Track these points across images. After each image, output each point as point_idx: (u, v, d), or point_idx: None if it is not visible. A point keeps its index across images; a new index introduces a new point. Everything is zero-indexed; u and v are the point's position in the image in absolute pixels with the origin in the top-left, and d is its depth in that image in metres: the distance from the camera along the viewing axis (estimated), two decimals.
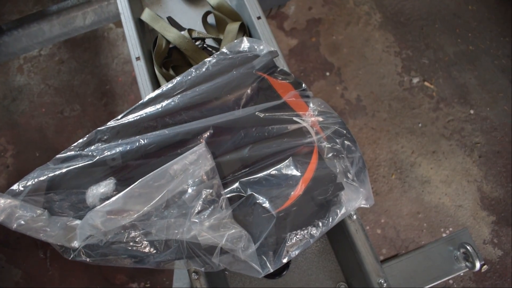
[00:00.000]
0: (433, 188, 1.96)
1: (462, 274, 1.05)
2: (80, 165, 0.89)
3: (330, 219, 0.83)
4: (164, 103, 0.94)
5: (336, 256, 1.01)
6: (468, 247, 0.97)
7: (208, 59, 0.99)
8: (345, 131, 0.92)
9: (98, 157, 0.89)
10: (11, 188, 0.87)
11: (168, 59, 1.22)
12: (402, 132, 2.04)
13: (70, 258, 0.86)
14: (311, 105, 0.95)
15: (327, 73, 2.16)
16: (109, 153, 0.90)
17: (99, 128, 0.94)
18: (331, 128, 0.92)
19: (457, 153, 2.00)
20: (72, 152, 0.92)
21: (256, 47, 0.99)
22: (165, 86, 0.97)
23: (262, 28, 1.13)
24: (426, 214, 1.92)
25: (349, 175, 0.88)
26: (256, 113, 0.91)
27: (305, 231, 0.81)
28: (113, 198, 0.82)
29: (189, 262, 0.83)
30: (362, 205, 0.92)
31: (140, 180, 0.83)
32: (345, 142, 0.91)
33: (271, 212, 0.81)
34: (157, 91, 0.97)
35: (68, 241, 0.87)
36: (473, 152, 2.00)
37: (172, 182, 0.83)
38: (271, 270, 0.80)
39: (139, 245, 0.83)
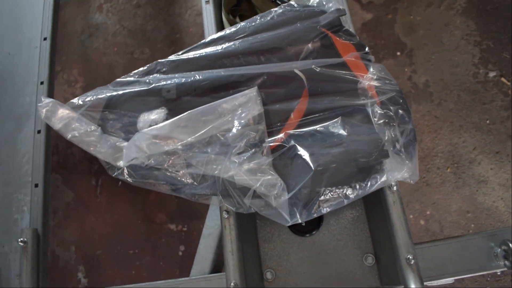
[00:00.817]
0: (489, 190, 1.84)
1: (499, 273, 0.99)
2: (137, 89, 0.93)
3: (369, 184, 0.82)
4: (225, 45, 0.95)
5: (369, 227, 0.99)
6: (510, 245, 0.91)
7: (275, 9, 0.98)
8: (401, 100, 0.89)
9: (153, 85, 0.92)
10: (71, 100, 0.93)
11: (237, 7, 1.22)
12: (467, 125, 1.93)
13: (113, 175, 0.92)
14: (371, 69, 0.93)
15: (398, 53, 2.07)
16: (165, 83, 0.93)
17: (159, 60, 0.98)
18: (387, 94, 0.89)
19: None
20: (132, 78, 0.96)
21: (325, 3, 0.97)
22: (228, 29, 0.98)
23: None
24: (476, 215, 1.82)
25: (397, 144, 0.85)
26: (313, 66, 0.90)
27: (341, 190, 0.81)
28: (161, 124, 0.85)
29: (223, 200, 0.86)
30: (405, 179, 0.89)
31: (189, 112, 0.86)
32: (399, 111, 0.88)
33: (310, 165, 0.81)
34: (220, 33, 0.98)
35: (115, 159, 0.92)
36: None
37: (219, 119, 0.85)
38: (299, 221, 0.80)
39: (178, 173, 0.86)
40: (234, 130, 0.85)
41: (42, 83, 1.22)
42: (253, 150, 0.86)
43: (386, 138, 0.85)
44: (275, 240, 1.02)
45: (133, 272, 1.98)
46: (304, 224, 1.00)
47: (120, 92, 0.94)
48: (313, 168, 0.80)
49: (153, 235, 2.00)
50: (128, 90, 0.94)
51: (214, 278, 0.97)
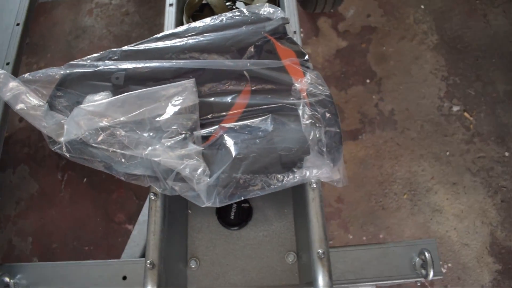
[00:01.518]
0: (443, 219, 1.89)
1: (418, 284, 1.02)
2: (88, 71, 0.98)
3: (287, 177, 0.86)
4: (174, 41, 1.01)
5: (295, 226, 1.03)
6: (426, 254, 0.95)
7: (226, 13, 1.05)
8: (329, 104, 0.94)
9: (104, 70, 0.97)
10: (23, 75, 0.98)
11: (199, 13, 1.30)
12: (427, 155, 1.99)
13: (53, 149, 0.96)
14: (308, 75, 0.98)
15: (368, 81, 2.15)
16: (115, 68, 0.98)
17: (112, 49, 1.04)
18: (317, 96, 0.94)
19: (479, 191, 1.91)
20: (84, 62, 1.02)
21: (272, 11, 1.04)
22: (180, 28, 1.04)
23: (289, 2, 1.17)
24: None
25: (320, 144, 0.90)
26: (248, 64, 0.96)
27: (258, 180, 0.85)
28: (98, 102, 0.90)
29: (149, 181, 0.90)
30: (329, 181, 0.94)
31: (126, 93, 0.91)
32: (326, 114, 0.93)
33: (231, 152, 0.85)
34: (172, 30, 1.05)
35: (57, 135, 0.96)
36: (496, 195, 1.90)
37: (154, 104, 0.90)
38: (217, 205, 0.84)
39: (110, 150, 0.90)
40: (166, 115, 0.90)
41: (8, 63, 1.28)
42: (183, 136, 0.90)
43: (311, 137, 0.90)
44: (203, 231, 1.05)
45: None
46: (233, 217, 1.03)
47: (73, 73, 0.99)
48: (233, 155, 0.84)
49: (111, 234, 2.01)
50: (80, 71, 0.99)
51: (141, 262, 0.99)
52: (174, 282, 0.97)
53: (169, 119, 0.90)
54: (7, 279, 1.03)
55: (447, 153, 1.98)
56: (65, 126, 0.94)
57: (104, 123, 0.88)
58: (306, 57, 1.03)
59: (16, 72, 1.29)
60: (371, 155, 2.01)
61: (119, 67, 0.97)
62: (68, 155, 0.95)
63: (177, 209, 1.03)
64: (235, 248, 1.02)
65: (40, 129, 0.96)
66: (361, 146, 2.03)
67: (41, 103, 0.97)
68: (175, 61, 0.97)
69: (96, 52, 1.05)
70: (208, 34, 1.02)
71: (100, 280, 1.04)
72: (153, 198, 0.95)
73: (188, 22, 1.22)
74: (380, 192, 1.95)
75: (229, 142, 0.88)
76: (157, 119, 0.90)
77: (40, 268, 1.11)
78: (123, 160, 0.90)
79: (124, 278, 1.03)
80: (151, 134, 0.90)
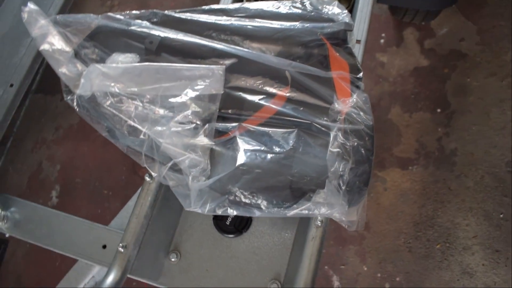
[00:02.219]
0: (471, 284, 1.68)
1: None
2: (122, 27, 0.91)
3: (289, 206, 0.75)
4: (219, 18, 0.91)
5: (291, 254, 0.92)
6: None
7: (285, 1, 0.92)
8: (367, 137, 0.80)
9: (140, 31, 0.90)
10: (56, 16, 0.93)
11: None
12: (477, 210, 1.76)
13: (65, 99, 0.91)
14: (354, 96, 0.85)
15: (438, 110, 1.93)
16: (150, 32, 0.90)
17: (155, 10, 0.95)
18: (356, 124, 0.81)
19: None
20: (122, 17, 0.94)
21: (338, 14, 0.90)
22: (232, 5, 0.94)
23: (365, 4, 1.02)
24: None
25: (340, 181, 0.77)
26: (291, 66, 0.84)
27: (255, 199, 0.74)
28: (115, 65, 0.83)
29: (145, 161, 0.82)
30: (340, 221, 0.81)
31: (148, 64, 0.83)
32: (360, 148, 0.79)
33: (236, 161, 0.75)
34: (222, 5, 0.94)
35: (74, 86, 0.91)
36: None
37: (173, 82, 0.81)
38: (204, 212, 0.75)
39: (114, 118, 0.83)
40: (183, 98, 0.81)
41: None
42: (193, 125, 0.81)
43: (332, 169, 0.77)
44: (195, 227, 0.97)
45: (99, 211, 2.01)
46: (229, 224, 0.94)
47: (107, 26, 0.92)
48: (236, 164, 0.74)
49: (131, 185, 2.01)
50: (115, 25, 0.92)
51: None
52: (147, 269, 0.91)
53: (184, 103, 0.81)
54: None
55: (501, 215, 1.74)
56: (82, 80, 0.88)
57: (115, 89, 0.81)
58: (361, 74, 0.89)
59: None
60: (416, 191, 1.82)
61: (151, 32, 0.88)
62: (77, 109, 0.89)
63: (173, 197, 0.95)
64: (221, 256, 0.93)
65: (59, 74, 0.91)
66: (408, 177, 1.84)
67: (67, 49, 0.91)
68: (212, 41, 0.87)
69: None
70: (258, 20, 0.90)
71: (81, 240, 1.01)
72: (147, 180, 0.89)
73: None
74: (412, 233, 1.77)
75: (239, 147, 0.78)
76: (171, 100, 0.81)
77: (33, 209, 1.10)
78: (126, 132, 0.83)
79: (104, 247, 0.99)
80: (161, 112, 0.81)
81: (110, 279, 0.81)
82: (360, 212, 0.84)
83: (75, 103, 0.89)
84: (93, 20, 0.94)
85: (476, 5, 2.09)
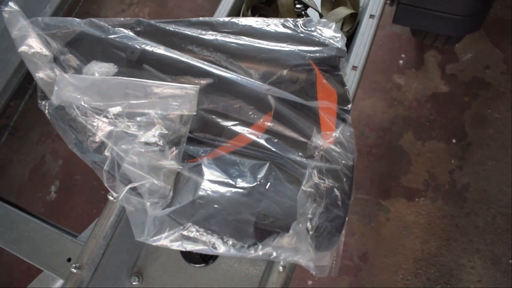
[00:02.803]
0: None
1: None
2: (106, 37, 0.87)
3: (246, 248, 0.68)
4: (203, 32, 0.86)
5: None
6: None
7: (276, 20, 0.86)
8: (344, 178, 0.73)
9: (123, 40, 0.85)
10: (38, 18, 0.89)
11: (261, 4, 1.11)
12: (485, 253, 1.64)
13: (39, 105, 0.87)
14: (338, 130, 0.77)
15: (454, 141, 1.81)
16: (132, 43, 0.86)
17: (141, 19, 0.91)
18: (333, 165, 0.73)
19: None
20: (106, 24, 0.90)
21: (331, 38, 0.83)
22: (219, 19, 0.88)
23: (367, 28, 0.94)
24: None
25: (309, 225, 0.70)
26: (270, 96, 0.77)
27: (210, 237, 0.68)
28: (85, 76, 0.78)
29: (104, 178, 0.77)
30: (307, 267, 0.74)
31: (118, 77, 0.78)
32: (336, 191, 0.72)
33: (196, 191, 0.69)
34: (209, 19, 0.88)
35: (49, 92, 0.87)
36: None
37: (141, 100, 0.76)
38: (152, 243, 0.69)
39: (80, 131, 0.79)
40: (151, 117, 0.75)
41: None
42: (160, 147, 0.76)
43: (301, 211, 0.70)
44: (161, 252, 0.91)
45: (94, 211, 1.98)
46: (195, 252, 0.88)
47: (88, 35, 0.88)
48: (192, 196, 0.68)
49: None
50: (96, 34, 0.88)
51: None
52: None
53: (151, 122, 0.76)
54: None
55: (510, 261, 1.62)
56: (55, 88, 0.84)
57: (81, 102, 0.76)
58: (349, 106, 0.81)
59: None
60: (420, 225, 1.71)
61: (140, 45, 0.83)
62: (47, 113, 0.85)
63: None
64: (182, 285, 0.87)
65: (35, 79, 0.88)
66: (413, 210, 1.74)
67: (46, 53, 0.87)
68: (190, 57, 0.81)
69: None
70: (245, 37, 0.84)
71: (47, 250, 0.97)
72: (110, 199, 0.84)
73: (245, 14, 1.05)
74: (411, 269, 1.66)
75: (202, 177, 0.72)
76: (138, 118, 0.76)
77: (6, 211, 1.07)
78: (90, 147, 0.79)
79: (69, 260, 0.95)
80: (126, 130, 0.76)
81: None
82: (333, 256, 0.76)
83: (46, 109, 0.85)
84: (76, 25, 0.90)
85: (506, 31, 1.96)
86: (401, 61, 2.00)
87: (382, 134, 1.86)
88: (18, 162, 2.16)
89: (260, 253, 0.68)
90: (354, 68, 0.91)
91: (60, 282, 1.03)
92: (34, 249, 0.98)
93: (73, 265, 0.78)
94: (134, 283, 0.89)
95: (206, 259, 0.87)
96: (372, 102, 1.93)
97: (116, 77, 0.77)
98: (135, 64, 0.85)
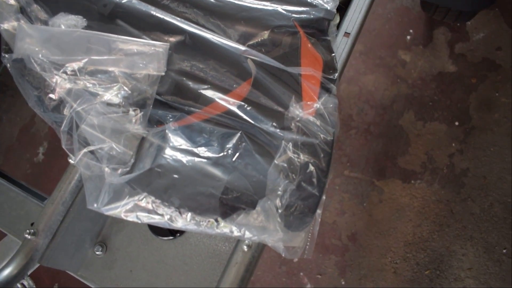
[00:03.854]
0: None
1: None
2: None
3: (206, 223, 0.62)
4: None
5: (224, 270, 0.80)
6: None
7: None
8: (322, 154, 0.66)
9: None
10: None
11: None
12: (478, 241, 1.58)
13: (1, 57, 0.80)
14: (320, 100, 0.70)
15: (456, 123, 1.73)
16: None
17: None
18: (310, 139, 0.66)
19: None
20: None
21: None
22: None
23: None
24: None
25: (278, 202, 0.64)
26: (248, 59, 0.69)
27: (168, 209, 0.62)
28: (45, 27, 0.71)
29: (62, 138, 0.71)
30: (276, 248, 0.68)
31: (81, 31, 0.70)
32: (311, 167, 0.66)
33: (154, 159, 0.63)
34: None
35: (14, 44, 0.80)
36: None
37: (104, 56, 0.68)
38: (103, 213, 0.64)
39: (39, 86, 0.72)
40: (114, 75, 0.69)
41: None
42: (126, 109, 0.69)
43: (271, 187, 0.64)
44: (127, 222, 0.86)
45: None
46: None
47: None
48: (150, 164, 0.62)
49: None
50: None
51: None
52: (64, 259, 0.82)
53: (115, 80, 0.69)
54: None
55: (504, 250, 1.56)
56: (16, 40, 0.77)
57: (39, 55, 0.69)
58: (335, 75, 0.74)
59: None
60: (414, 208, 1.65)
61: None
62: (10, 70, 0.79)
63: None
64: (148, 258, 0.83)
65: (0, 31, 0.81)
66: (408, 192, 1.67)
67: (12, 2, 0.80)
68: (163, 12, 0.73)
69: None
70: None
71: (12, 213, 0.92)
72: (71, 162, 0.78)
73: None
74: (401, 253, 1.61)
75: (166, 144, 0.65)
76: (100, 75, 0.69)
77: None
78: (48, 105, 0.72)
79: (32, 224, 0.90)
80: (86, 88, 0.69)
81: (10, 268, 0.72)
82: (306, 237, 0.70)
83: (9, 67, 0.78)
84: None
85: None
86: (408, 37, 1.89)
87: (382, 112, 1.78)
88: (8, 121, 2.11)
89: (222, 230, 0.62)
90: (347, 34, 0.82)
91: None
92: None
93: (27, 231, 0.73)
94: (97, 253, 0.85)
95: (173, 232, 0.82)
96: (374, 77, 1.83)
97: (78, 29, 0.70)
98: (106, 18, 0.78)
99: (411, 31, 1.89)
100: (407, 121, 1.76)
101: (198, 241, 0.82)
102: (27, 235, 0.73)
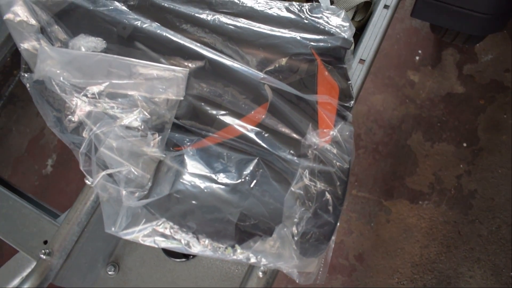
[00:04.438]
0: None
1: None
2: (95, 9, 0.81)
3: (224, 250, 0.63)
4: (200, 11, 0.79)
5: None
6: None
7: (280, 3, 0.79)
8: (338, 182, 0.67)
9: (114, 14, 0.79)
10: None
11: None
12: (485, 263, 1.58)
13: (19, 76, 0.82)
14: (336, 128, 0.71)
15: (464, 144, 1.73)
16: (125, 17, 0.79)
17: None
18: (327, 167, 0.67)
19: None
20: None
21: (339, 27, 0.75)
22: None
23: (379, 19, 0.86)
24: None
25: (294, 229, 0.64)
26: (266, 85, 0.70)
27: (185, 235, 0.62)
28: (67, 50, 0.72)
29: (80, 161, 0.72)
30: (289, 274, 0.68)
31: (102, 54, 0.72)
32: (327, 195, 0.66)
33: (174, 184, 0.63)
34: None
35: (34, 64, 0.81)
36: None
37: (125, 80, 0.70)
38: (121, 236, 0.64)
39: (59, 108, 0.73)
40: (134, 99, 0.70)
41: None
42: (145, 133, 0.70)
43: (288, 214, 0.64)
44: (140, 244, 0.86)
45: None
46: None
47: (79, 7, 0.82)
48: (169, 190, 0.62)
49: None
50: (87, 6, 0.82)
51: None
52: (77, 279, 0.82)
53: (134, 105, 0.70)
54: None
55: (511, 273, 1.55)
56: (38, 61, 0.78)
57: (60, 77, 0.70)
58: (351, 103, 0.74)
59: None
60: (421, 229, 1.65)
61: (133, 21, 0.77)
62: (28, 87, 0.80)
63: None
64: (161, 280, 0.83)
65: (19, 49, 0.82)
66: (415, 212, 1.67)
67: (33, 23, 0.82)
68: (183, 37, 0.75)
69: None
70: (244, 20, 0.77)
71: (25, 230, 0.93)
72: (88, 183, 0.78)
73: None
74: (408, 274, 1.60)
75: (185, 170, 0.66)
76: (120, 99, 0.70)
77: None
78: (67, 126, 0.73)
79: (45, 242, 0.90)
80: (106, 111, 0.70)
81: (26, 286, 0.72)
82: (320, 263, 0.71)
83: (28, 83, 0.80)
84: None
85: None
86: (417, 57, 1.90)
87: (390, 131, 1.79)
88: (17, 133, 2.13)
89: (238, 257, 0.62)
90: (362, 61, 0.84)
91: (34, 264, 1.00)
92: (11, 227, 0.94)
93: (43, 251, 0.74)
94: (109, 273, 0.85)
95: (187, 254, 0.82)
96: (383, 97, 1.84)
97: (99, 53, 0.71)
98: (126, 40, 0.79)
99: (420, 51, 1.91)
100: (415, 141, 1.77)
101: (211, 263, 0.82)
102: (42, 255, 0.74)
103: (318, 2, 0.99)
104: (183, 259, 0.83)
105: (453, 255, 1.61)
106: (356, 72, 0.83)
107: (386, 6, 0.87)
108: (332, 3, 0.98)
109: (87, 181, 0.78)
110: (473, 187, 1.67)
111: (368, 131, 1.79)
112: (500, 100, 1.77)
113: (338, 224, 0.69)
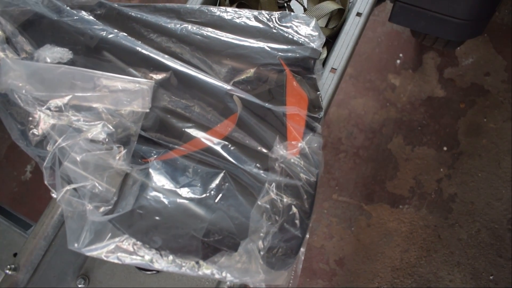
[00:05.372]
0: None
1: None
2: (60, 19, 0.79)
3: (187, 265, 0.62)
4: (168, 21, 0.78)
5: None
6: None
7: (249, 12, 0.78)
8: (305, 196, 0.66)
9: (80, 24, 0.77)
10: None
11: None
12: (465, 267, 1.59)
13: None
14: (305, 138, 0.70)
15: (445, 148, 1.74)
16: (92, 28, 0.78)
17: (103, 1, 0.83)
18: (294, 180, 0.66)
19: None
20: (63, 4, 0.82)
21: (308, 36, 0.75)
22: (187, 6, 0.80)
23: (352, 27, 0.86)
24: None
25: (261, 244, 0.63)
26: (234, 96, 0.70)
27: (148, 251, 0.61)
28: (29, 62, 0.71)
29: (44, 174, 0.70)
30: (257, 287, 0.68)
31: (66, 66, 0.70)
32: (294, 209, 0.65)
33: (136, 200, 0.62)
34: (177, 6, 0.80)
35: None
36: None
37: (89, 92, 0.68)
38: (83, 253, 0.63)
39: (22, 121, 0.72)
40: (98, 112, 0.68)
41: None
42: (110, 146, 0.69)
43: (253, 229, 0.64)
44: None
45: None
46: None
47: (44, 17, 0.80)
48: (132, 205, 0.61)
49: None
50: (50, 15, 0.80)
51: None
52: None
53: (99, 117, 0.69)
54: None
55: (491, 277, 1.56)
56: (0, 74, 0.76)
57: (23, 90, 0.69)
58: (321, 114, 0.74)
59: None
60: (401, 233, 1.65)
61: (100, 31, 0.75)
62: None
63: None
64: None
65: None
66: (396, 217, 1.68)
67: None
68: (147, 48, 0.74)
69: None
70: (211, 29, 0.76)
71: None
72: (54, 196, 0.77)
73: (223, 3, 0.96)
74: (388, 278, 1.61)
75: (148, 184, 0.65)
76: (84, 112, 0.68)
77: None
78: (31, 140, 0.72)
79: (15, 255, 0.89)
80: (70, 124, 0.69)
81: None
82: (289, 276, 0.70)
83: None
84: (32, 4, 0.82)
85: (511, 38, 1.87)
86: (398, 61, 1.91)
87: (371, 136, 1.79)
88: None
89: (202, 272, 0.61)
90: (333, 70, 0.83)
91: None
92: None
93: (8, 266, 0.72)
94: (79, 286, 0.83)
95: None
96: (364, 101, 1.85)
97: (62, 65, 0.70)
98: (93, 50, 0.78)
99: (401, 55, 1.92)
100: (396, 145, 1.77)
101: (181, 276, 0.81)
102: (7, 271, 0.72)
103: (292, 9, 0.99)
104: (154, 272, 0.81)
105: (433, 259, 1.62)
106: (327, 81, 0.83)
107: (358, 14, 0.87)
108: (305, 10, 0.98)
109: (53, 195, 0.77)
110: (453, 191, 1.69)
111: (349, 135, 1.79)
112: (480, 104, 1.79)
113: (308, 236, 0.69)
